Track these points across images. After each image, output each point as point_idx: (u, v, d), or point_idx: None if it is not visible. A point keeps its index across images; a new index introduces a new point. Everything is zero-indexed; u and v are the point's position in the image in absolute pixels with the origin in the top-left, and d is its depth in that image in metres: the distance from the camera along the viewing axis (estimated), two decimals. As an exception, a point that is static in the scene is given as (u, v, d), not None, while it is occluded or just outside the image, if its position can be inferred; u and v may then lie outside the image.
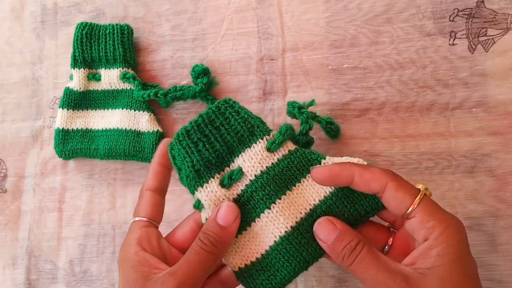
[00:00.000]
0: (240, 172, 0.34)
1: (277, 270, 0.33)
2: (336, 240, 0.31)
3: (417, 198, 0.29)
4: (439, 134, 0.42)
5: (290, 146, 0.35)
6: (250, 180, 0.34)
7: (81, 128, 0.49)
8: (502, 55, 0.42)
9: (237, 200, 0.34)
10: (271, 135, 0.34)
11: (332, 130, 0.42)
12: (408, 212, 0.30)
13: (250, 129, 0.34)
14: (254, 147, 0.34)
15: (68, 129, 0.49)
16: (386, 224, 0.35)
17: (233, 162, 0.34)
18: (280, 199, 0.33)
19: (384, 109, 0.44)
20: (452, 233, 0.29)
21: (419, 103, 0.43)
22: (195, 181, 0.34)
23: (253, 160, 0.34)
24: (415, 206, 0.29)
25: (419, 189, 0.30)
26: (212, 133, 0.34)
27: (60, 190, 0.50)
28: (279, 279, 0.33)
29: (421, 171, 0.42)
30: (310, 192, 0.34)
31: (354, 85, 0.44)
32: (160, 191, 0.36)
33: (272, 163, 0.34)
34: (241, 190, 0.34)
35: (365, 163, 0.33)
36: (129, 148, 0.47)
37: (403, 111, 0.43)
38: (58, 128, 0.49)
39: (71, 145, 0.48)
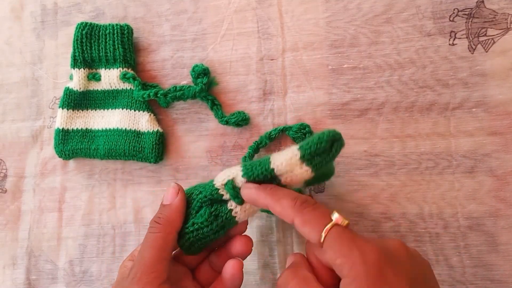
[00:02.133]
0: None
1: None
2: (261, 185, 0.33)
3: (323, 232, 0.28)
4: (439, 134, 0.42)
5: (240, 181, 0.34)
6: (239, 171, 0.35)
7: (81, 128, 0.49)
8: (502, 55, 0.42)
9: None
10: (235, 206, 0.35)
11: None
12: (321, 246, 0.29)
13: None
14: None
15: (68, 129, 0.49)
16: None
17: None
18: None
19: (384, 109, 0.44)
20: (359, 269, 0.26)
21: (419, 103, 0.43)
22: None
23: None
24: (322, 242, 0.28)
25: (330, 219, 0.29)
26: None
27: (60, 190, 0.50)
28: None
29: (421, 171, 0.42)
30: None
31: (354, 85, 0.44)
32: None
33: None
34: None
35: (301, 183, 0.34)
36: (129, 148, 0.47)
37: (403, 111, 0.43)
38: (58, 128, 0.49)
39: (71, 145, 0.48)
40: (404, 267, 0.27)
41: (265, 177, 0.33)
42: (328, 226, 0.28)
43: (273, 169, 0.33)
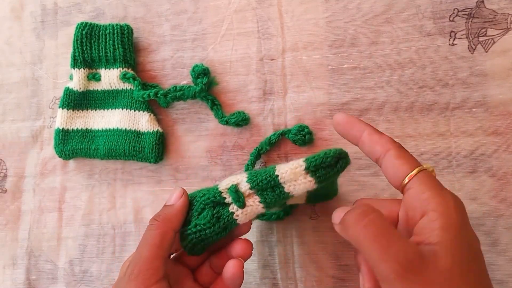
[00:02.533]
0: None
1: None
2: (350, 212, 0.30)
3: (415, 169, 0.28)
4: (439, 134, 0.42)
5: (255, 199, 0.35)
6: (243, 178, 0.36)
7: (81, 128, 0.49)
8: (502, 55, 0.42)
9: None
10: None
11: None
12: (404, 183, 0.28)
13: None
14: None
15: (68, 129, 0.49)
16: None
17: None
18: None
19: (384, 109, 0.44)
20: (450, 204, 0.27)
21: (419, 103, 0.43)
22: None
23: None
24: (412, 176, 0.28)
25: (420, 164, 0.29)
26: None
27: (60, 190, 0.50)
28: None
29: (421, 171, 0.42)
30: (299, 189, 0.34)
31: (354, 85, 0.44)
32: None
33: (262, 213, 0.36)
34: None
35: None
36: (129, 148, 0.47)
37: (403, 111, 0.43)
38: (58, 128, 0.49)
39: (71, 145, 0.48)
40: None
41: (269, 183, 0.34)
42: (422, 167, 0.29)
43: (277, 176, 0.34)
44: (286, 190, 0.34)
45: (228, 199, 0.35)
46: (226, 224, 0.35)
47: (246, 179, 0.35)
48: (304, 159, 0.34)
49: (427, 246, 0.26)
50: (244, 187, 0.35)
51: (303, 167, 0.33)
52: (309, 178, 0.33)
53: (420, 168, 0.28)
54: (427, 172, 0.29)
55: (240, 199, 0.34)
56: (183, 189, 0.37)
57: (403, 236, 0.27)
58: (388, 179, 0.30)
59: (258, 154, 0.45)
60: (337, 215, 0.30)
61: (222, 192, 0.35)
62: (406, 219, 0.29)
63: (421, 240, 0.26)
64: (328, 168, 0.33)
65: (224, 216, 0.35)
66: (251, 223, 0.37)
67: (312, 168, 0.33)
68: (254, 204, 0.35)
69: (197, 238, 0.35)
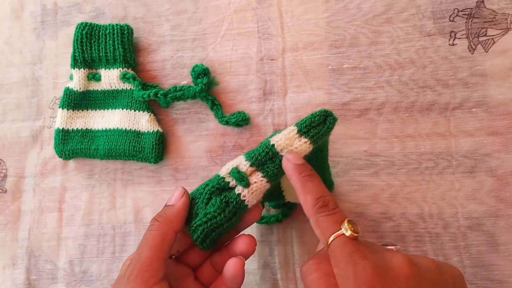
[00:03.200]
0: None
1: None
2: (302, 164, 0.34)
3: (329, 239, 0.30)
4: (439, 134, 0.42)
5: (257, 175, 0.36)
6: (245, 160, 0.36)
7: (81, 128, 0.49)
8: (502, 55, 0.42)
9: None
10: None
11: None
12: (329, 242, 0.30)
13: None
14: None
15: (68, 129, 0.49)
16: None
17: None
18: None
19: (384, 109, 0.44)
20: (349, 285, 0.27)
21: (419, 103, 0.43)
22: None
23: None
24: (327, 248, 0.30)
25: (339, 228, 0.30)
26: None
27: (60, 190, 0.50)
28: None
29: (421, 171, 0.42)
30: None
31: (354, 85, 0.44)
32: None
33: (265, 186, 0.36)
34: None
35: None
36: (129, 148, 0.47)
37: (403, 111, 0.43)
38: (58, 128, 0.49)
39: (71, 145, 0.48)
40: (402, 286, 0.27)
41: (267, 155, 0.35)
42: (333, 236, 0.29)
43: (273, 145, 0.35)
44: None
45: (232, 182, 0.35)
46: (236, 208, 0.35)
47: (244, 158, 0.36)
48: (294, 124, 0.35)
49: None
50: (244, 166, 0.35)
51: (295, 130, 0.35)
52: (303, 139, 0.35)
53: (333, 237, 0.29)
54: (337, 242, 0.29)
55: (243, 179, 0.35)
56: (184, 188, 0.36)
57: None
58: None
59: None
60: (295, 157, 0.34)
61: (224, 178, 0.35)
62: None
63: None
64: (319, 126, 0.35)
65: (232, 199, 0.35)
66: (261, 209, 0.38)
67: (304, 129, 0.35)
68: (258, 180, 0.35)
69: (208, 228, 0.34)
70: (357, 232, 0.29)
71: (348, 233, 0.29)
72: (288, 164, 0.34)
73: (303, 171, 0.34)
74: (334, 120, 0.35)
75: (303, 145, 0.35)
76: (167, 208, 0.35)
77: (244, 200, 0.35)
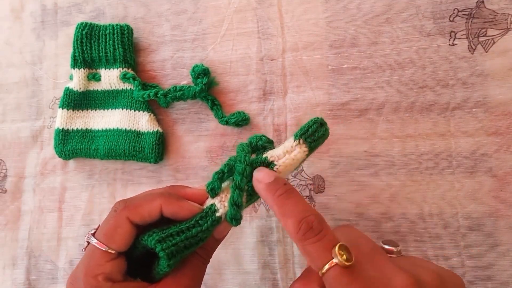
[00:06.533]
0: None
1: None
2: (274, 181, 0.31)
3: (323, 269, 0.27)
4: (439, 134, 0.42)
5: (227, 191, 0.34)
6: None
7: (81, 128, 0.49)
8: (502, 55, 0.42)
9: None
10: (223, 219, 0.33)
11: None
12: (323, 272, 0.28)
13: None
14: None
15: (68, 129, 0.49)
16: None
17: None
18: None
19: (384, 109, 0.44)
20: None
21: (419, 103, 0.43)
22: None
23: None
24: (322, 276, 0.28)
25: (331, 256, 0.28)
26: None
27: (60, 190, 0.50)
28: None
29: (421, 171, 0.42)
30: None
31: (354, 85, 0.44)
32: (144, 223, 0.32)
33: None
34: None
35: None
36: (129, 148, 0.47)
37: (403, 111, 0.43)
38: (58, 128, 0.49)
39: (71, 145, 0.48)
40: None
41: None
42: (326, 266, 0.27)
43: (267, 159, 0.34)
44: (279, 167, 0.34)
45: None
46: (209, 218, 0.32)
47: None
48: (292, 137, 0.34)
49: None
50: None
51: (292, 140, 0.34)
52: (303, 147, 0.33)
53: (328, 267, 0.27)
54: (332, 272, 0.27)
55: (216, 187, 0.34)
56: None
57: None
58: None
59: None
60: (264, 175, 0.32)
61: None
62: None
63: None
64: (316, 133, 0.33)
65: (207, 209, 0.33)
66: (228, 231, 0.35)
67: (303, 137, 0.33)
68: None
69: (181, 240, 0.31)
70: (350, 259, 0.27)
71: (341, 262, 0.27)
72: (259, 186, 0.32)
73: (276, 189, 0.31)
74: (327, 129, 0.34)
75: (302, 153, 0.33)
76: (216, 242, 0.34)
77: (216, 210, 0.33)
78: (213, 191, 0.34)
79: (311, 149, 0.34)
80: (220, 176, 0.34)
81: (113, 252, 0.31)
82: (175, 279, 0.31)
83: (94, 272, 0.30)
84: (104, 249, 0.31)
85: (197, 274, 0.33)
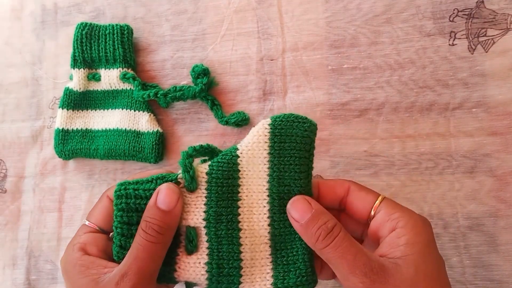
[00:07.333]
0: (193, 231, 0.32)
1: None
2: (311, 219, 0.29)
3: (380, 196, 0.31)
4: (439, 134, 0.42)
5: (202, 169, 0.33)
6: (204, 227, 0.32)
7: (81, 128, 0.49)
8: (502, 55, 0.42)
9: (211, 255, 0.32)
10: (180, 180, 0.32)
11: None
12: (374, 205, 0.31)
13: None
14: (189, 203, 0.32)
15: (68, 129, 0.49)
16: None
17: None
18: (239, 215, 0.32)
19: (383, 109, 0.44)
20: (418, 223, 0.29)
21: (419, 104, 0.43)
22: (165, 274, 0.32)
23: (190, 212, 0.32)
24: (379, 202, 0.30)
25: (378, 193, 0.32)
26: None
27: (60, 190, 0.50)
28: None
29: (421, 171, 0.42)
30: (255, 182, 0.33)
31: (354, 85, 0.44)
32: None
33: (206, 197, 0.32)
34: (206, 241, 0.32)
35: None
36: (129, 148, 0.47)
37: (402, 112, 0.43)
38: (58, 128, 0.49)
39: (71, 145, 0.48)
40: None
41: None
42: (382, 195, 0.31)
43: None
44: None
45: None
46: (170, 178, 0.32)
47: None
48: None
49: (391, 259, 0.28)
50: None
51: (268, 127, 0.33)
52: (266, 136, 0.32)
53: (382, 197, 0.31)
54: (388, 199, 0.31)
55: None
56: (176, 187, 0.32)
57: (366, 250, 0.29)
58: (355, 212, 0.32)
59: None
60: (299, 211, 0.30)
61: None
62: (375, 235, 0.31)
63: (385, 254, 0.29)
64: (287, 129, 0.32)
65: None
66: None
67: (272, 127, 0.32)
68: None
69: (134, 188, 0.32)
70: None
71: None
72: (295, 226, 0.31)
73: (317, 233, 0.29)
74: (307, 126, 0.32)
75: (262, 128, 0.32)
76: (165, 215, 0.30)
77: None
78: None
79: (276, 135, 0.32)
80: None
81: (91, 225, 0.33)
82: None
83: (72, 242, 0.33)
84: (83, 222, 0.34)
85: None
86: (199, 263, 0.32)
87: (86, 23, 0.48)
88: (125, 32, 0.48)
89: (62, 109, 0.49)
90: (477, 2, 0.43)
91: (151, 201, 0.31)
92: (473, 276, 0.40)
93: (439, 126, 0.42)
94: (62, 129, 0.49)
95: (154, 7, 0.50)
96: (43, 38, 0.53)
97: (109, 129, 0.48)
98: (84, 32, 0.47)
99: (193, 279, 0.32)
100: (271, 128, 0.32)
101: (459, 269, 0.41)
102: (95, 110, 0.49)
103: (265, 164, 0.32)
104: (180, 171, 0.33)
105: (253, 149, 0.33)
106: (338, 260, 0.28)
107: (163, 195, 0.31)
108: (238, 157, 0.33)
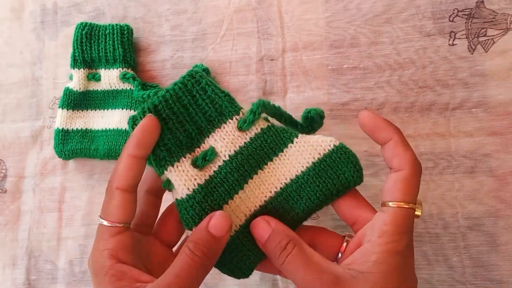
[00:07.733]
0: (214, 152, 0.33)
1: (247, 249, 0.32)
2: (269, 239, 0.30)
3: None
4: (439, 134, 0.42)
5: (263, 124, 0.34)
6: (224, 161, 0.33)
7: (81, 128, 0.49)
8: (502, 55, 0.42)
9: (210, 181, 0.32)
10: (241, 114, 0.33)
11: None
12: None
13: (218, 109, 0.33)
14: (224, 127, 0.33)
15: (68, 129, 0.49)
16: (342, 233, 0.35)
17: (204, 143, 0.33)
18: (252, 178, 0.33)
19: (383, 110, 0.44)
20: (401, 241, 0.29)
21: (418, 104, 0.43)
22: (165, 160, 0.32)
23: (225, 141, 0.33)
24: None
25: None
26: (181, 111, 0.32)
27: (60, 190, 0.50)
28: (246, 259, 0.33)
29: (421, 171, 0.42)
30: (282, 171, 0.33)
31: (354, 85, 0.44)
32: (133, 188, 0.31)
33: (245, 143, 0.33)
34: (214, 171, 0.33)
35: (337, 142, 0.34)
36: (129, 148, 0.46)
37: (402, 112, 0.43)
38: (58, 128, 0.49)
39: (71, 145, 0.48)
40: None
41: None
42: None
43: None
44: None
45: None
46: None
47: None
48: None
49: (355, 270, 0.28)
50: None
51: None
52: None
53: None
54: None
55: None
56: (230, 218, 0.31)
57: (324, 262, 0.29)
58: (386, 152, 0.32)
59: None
60: (260, 231, 0.31)
61: None
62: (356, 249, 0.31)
63: (355, 262, 0.29)
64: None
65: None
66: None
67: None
68: None
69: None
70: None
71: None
72: (259, 244, 0.32)
73: (277, 248, 0.30)
74: (355, 178, 0.33)
75: (316, 152, 0.33)
76: (215, 241, 0.30)
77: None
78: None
79: (330, 157, 0.33)
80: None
81: (114, 224, 0.30)
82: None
83: (99, 247, 0.30)
84: (100, 222, 0.31)
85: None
86: (194, 179, 0.32)
87: (86, 23, 0.48)
88: (125, 32, 0.48)
89: (62, 109, 0.49)
90: (477, 2, 0.43)
91: (202, 224, 0.30)
92: (473, 276, 0.40)
93: (439, 126, 0.42)
94: (62, 129, 0.49)
95: (154, 7, 0.50)
96: (43, 38, 0.53)
97: (109, 129, 0.48)
98: (84, 32, 0.47)
99: (175, 183, 0.32)
100: (333, 149, 0.33)
101: (459, 269, 0.41)
102: (95, 110, 0.49)
103: (302, 166, 0.33)
104: (246, 109, 0.33)
105: (306, 150, 0.33)
106: (291, 276, 0.29)
107: (217, 221, 0.30)
108: (292, 143, 0.34)
